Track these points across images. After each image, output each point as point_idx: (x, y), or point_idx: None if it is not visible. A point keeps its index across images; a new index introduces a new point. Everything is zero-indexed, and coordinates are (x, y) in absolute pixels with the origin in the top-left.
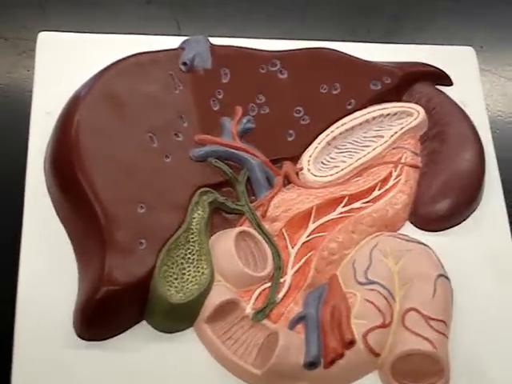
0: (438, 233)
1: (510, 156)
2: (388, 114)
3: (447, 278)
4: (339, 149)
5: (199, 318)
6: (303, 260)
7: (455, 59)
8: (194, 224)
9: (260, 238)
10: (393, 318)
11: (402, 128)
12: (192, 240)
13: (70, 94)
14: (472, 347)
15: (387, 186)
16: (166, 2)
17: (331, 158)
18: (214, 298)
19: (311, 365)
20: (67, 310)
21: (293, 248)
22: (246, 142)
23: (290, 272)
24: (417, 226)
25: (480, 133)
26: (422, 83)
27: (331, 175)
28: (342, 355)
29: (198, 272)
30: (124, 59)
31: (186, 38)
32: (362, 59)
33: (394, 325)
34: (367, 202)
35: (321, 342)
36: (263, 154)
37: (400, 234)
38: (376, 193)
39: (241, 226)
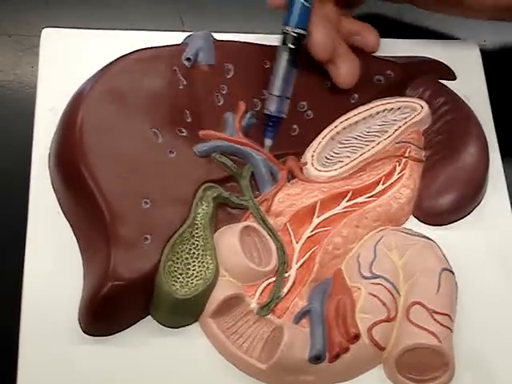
0: (442, 227)
1: None
2: (392, 109)
3: (451, 271)
4: (343, 144)
5: (204, 313)
6: (308, 255)
7: (459, 53)
8: (198, 219)
9: (264, 232)
10: (397, 311)
11: (406, 122)
12: (197, 235)
13: (73, 90)
14: (476, 341)
15: (391, 181)
16: None
17: (335, 153)
18: (219, 293)
19: (316, 359)
20: (73, 306)
21: (297, 243)
22: (250, 137)
23: (295, 267)
24: (421, 221)
25: (483, 127)
26: (425, 77)
27: (335, 170)
28: (346, 349)
29: (203, 267)
30: (128, 55)
31: (189, 33)
32: (365, 53)
33: (399, 319)
34: (371, 196)
35: (326, 336)
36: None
37: (404, 229)
38: (380, 187)
39: (245, 220)
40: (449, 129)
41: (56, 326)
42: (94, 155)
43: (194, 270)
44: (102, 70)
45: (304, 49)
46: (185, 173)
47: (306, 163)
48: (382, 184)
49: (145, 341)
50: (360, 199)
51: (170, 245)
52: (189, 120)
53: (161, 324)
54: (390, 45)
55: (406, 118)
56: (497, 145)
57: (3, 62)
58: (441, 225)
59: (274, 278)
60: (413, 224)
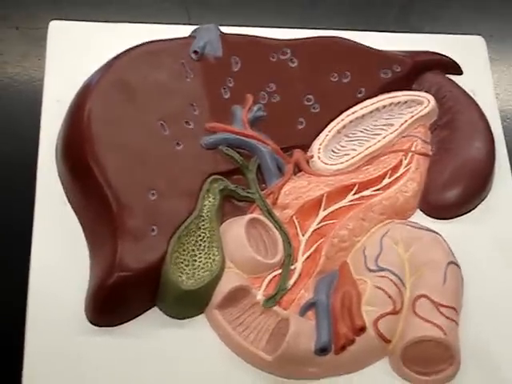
0: (448, 220)
1: None
2: (398, 103)
3: (457, 265)
4: (349, 137)
5: (210, 305)
6: (314, 247)
7: (465, 48)
8: (205, 211)
9: (270, 225)
10: (403, 304)
11: (413, 116)
12: (203, 227)
13: (80, 83)
14: (482, 334)
15: (397, 174)
16: None
17: (341, 146)
18: (225, 285)
19: (322, 351)
20: (79, 296)
21: (303, 235)
22: (257, 130)
23: (301, 259)
24: (427, 214)
25: (490, 121)
26: (431, 72)
27: (341, 163)
28: (352, 341)
29: (209, 259)
30: (135, 47)
31: (196, 26)
32: (372, 48)
33: (405, 311)
34: (377, 189)
35: (331, 328)
36: (274, 142)
37: (410, 222)
38: (386, 181)
39: (251, 213)
40: (455, 123)
41: (62, 316)
42: (101, 147)
43: (200, 262)
44: (109, 62)
45: (308, 43)
46: (191, 165)
47: (312, 156)
48: (389, 177)
49: (151, 332)
50: (366, 192)
51: (177, 236)
52: (196, 112)
53: (167, 315)
54: (397, 39)
55: (412, 112)
56: (503, 139)
57: (11, 54)
58: (447, 218)
59: (280, 270)
60: (419, 217)
